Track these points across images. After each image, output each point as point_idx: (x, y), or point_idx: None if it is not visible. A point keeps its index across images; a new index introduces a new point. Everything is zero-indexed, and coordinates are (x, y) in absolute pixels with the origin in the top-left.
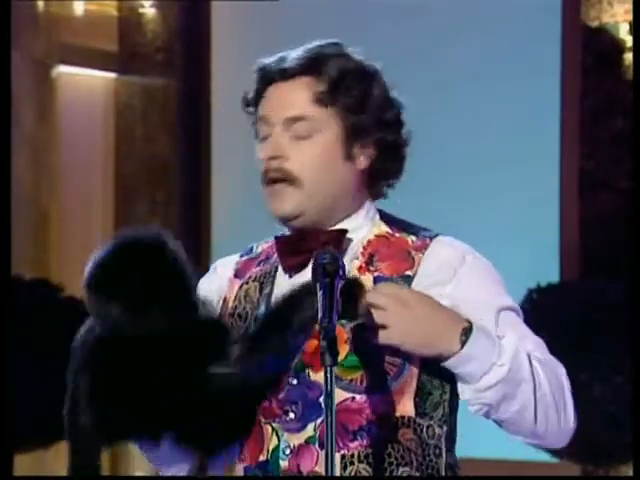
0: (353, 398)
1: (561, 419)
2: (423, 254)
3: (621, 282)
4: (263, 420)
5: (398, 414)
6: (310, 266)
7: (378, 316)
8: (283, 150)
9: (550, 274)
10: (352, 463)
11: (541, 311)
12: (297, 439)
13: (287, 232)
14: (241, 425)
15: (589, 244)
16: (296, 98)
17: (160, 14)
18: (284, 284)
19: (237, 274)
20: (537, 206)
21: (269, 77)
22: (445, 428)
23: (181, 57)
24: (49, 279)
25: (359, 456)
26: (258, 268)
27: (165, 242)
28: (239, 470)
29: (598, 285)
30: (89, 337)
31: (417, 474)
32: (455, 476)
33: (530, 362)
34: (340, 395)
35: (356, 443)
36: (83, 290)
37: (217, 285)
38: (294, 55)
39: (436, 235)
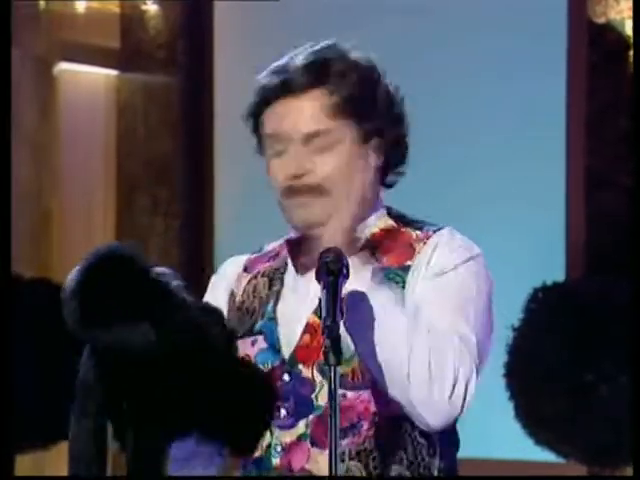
0: (344, 395)
1: (435, 390)
2: (425, 244)
3: (628, 281)
4: None
5: (389, 411)
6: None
7: None
8: (305, 166)
9: (556, 273)
10: (342, 460)
11: (547, 310)
12: (289, 436)
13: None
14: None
15: (595, 243)
16: (310, 113)
17: (162, 11)
18: (293, 282)
19: (246, 269)
20: (543, 204)
21: (274, 93)
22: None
23: (184, 54)
24: (50, 278)
25: (350, 453)
26: (268, 264)
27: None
28: (238, 465)
29: (604, 284)
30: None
31: (407, 473)
32: (457, 476)
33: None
34: None
35: (347, 440)
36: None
37: (225, 282)
38: (296, 65)
39: (440, 228)
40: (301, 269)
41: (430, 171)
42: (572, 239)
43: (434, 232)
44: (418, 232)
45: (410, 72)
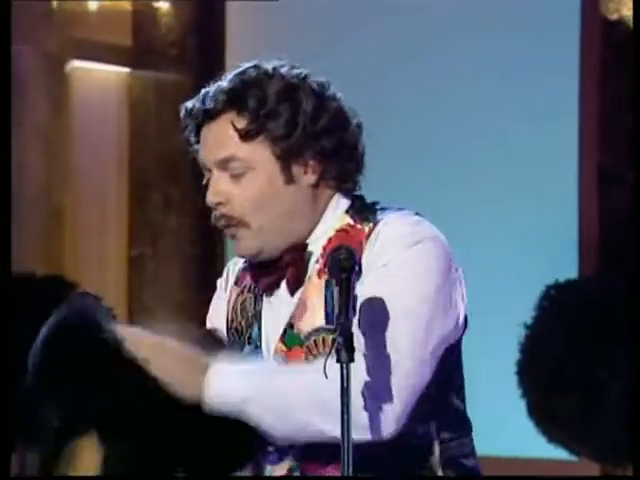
0: None
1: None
2: (368, 239)
3: None
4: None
5: None
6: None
7: None
8: (223, 194)
9: (569, 270)
10: None
11: (560, 308)
12: (279, 470)
13: None
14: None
15: (608, 240)
16: (223, 138)
17: (174, 9)
18: (268, 303)
19: (237, 281)
20: (556, 202)
21: (197, 120)
22: (433, 423)
23: (195, 52)
24: (63, 275)
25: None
26: None
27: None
28: None
29: (617, 281)
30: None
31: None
32: (464, 476)
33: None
34: None
35: (330, 467)
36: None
37: (225, 293)
38: (215, 91)
39: (385, 215)
40: (267, 290)
41: (440, 171)
42: (585, 236)
43: (379, 222)
44: (371, 224)
45: (422, 69)
